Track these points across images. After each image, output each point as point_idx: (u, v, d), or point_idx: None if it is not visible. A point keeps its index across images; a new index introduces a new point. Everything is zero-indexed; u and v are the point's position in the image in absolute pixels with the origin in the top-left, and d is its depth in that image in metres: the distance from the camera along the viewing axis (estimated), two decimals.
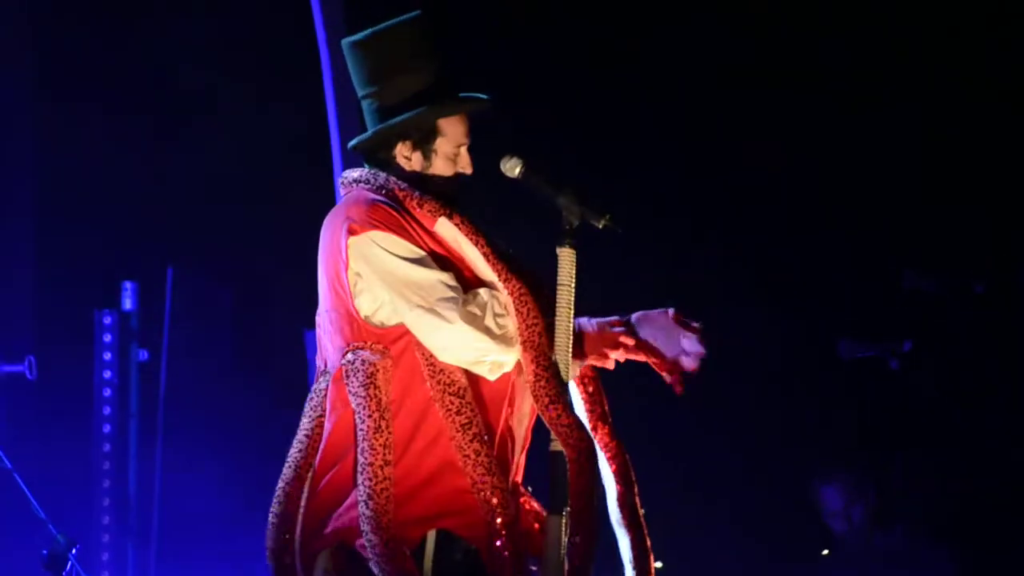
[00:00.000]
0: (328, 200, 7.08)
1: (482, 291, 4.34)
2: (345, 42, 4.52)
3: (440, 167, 4.49)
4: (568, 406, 4.34)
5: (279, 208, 7.52)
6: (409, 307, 4.31)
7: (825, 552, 7.38)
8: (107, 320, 7.50)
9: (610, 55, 7.73)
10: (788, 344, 7.65)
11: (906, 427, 7.32)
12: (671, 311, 4.46)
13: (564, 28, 7.72)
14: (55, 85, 7.60)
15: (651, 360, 4.48)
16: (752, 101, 7.67)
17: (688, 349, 4.44)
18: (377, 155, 4.50)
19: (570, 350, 4.36)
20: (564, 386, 4.35)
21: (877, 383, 7.13)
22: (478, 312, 4.30)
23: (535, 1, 7.74)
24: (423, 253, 4.33)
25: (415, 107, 4.42)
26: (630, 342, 4.45)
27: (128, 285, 7.58)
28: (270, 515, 4.38)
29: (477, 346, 4.31)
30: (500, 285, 4.35)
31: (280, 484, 4.39)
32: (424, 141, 4.47)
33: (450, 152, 4.49)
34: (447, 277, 4.31)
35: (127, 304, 7.55)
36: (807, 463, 7.44)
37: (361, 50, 4.48)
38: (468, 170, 4.51)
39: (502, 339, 4.33)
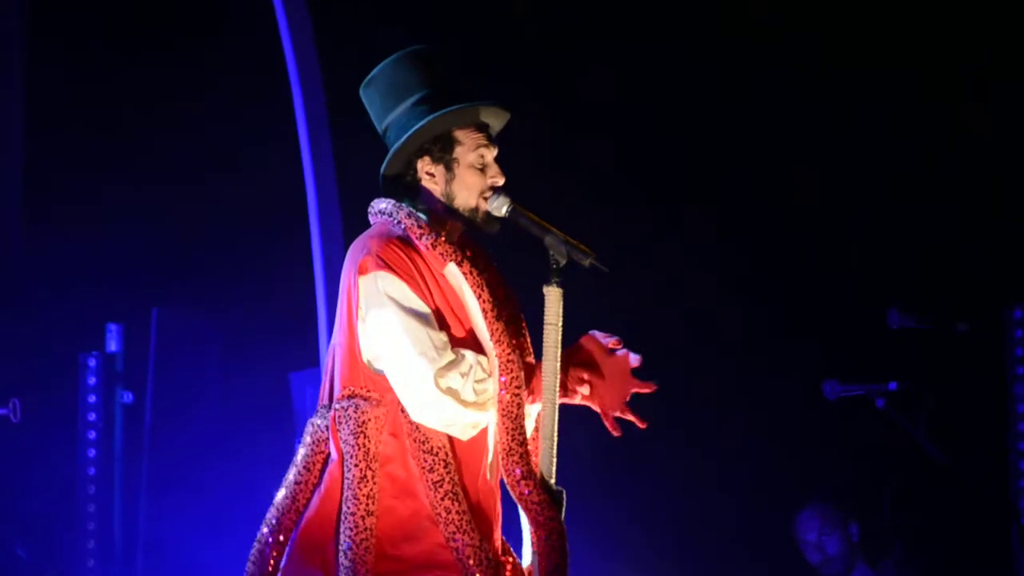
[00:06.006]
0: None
1: (468, 355, 4.28)
2: (361, 90, 4.49)
3: (468, 181, 4.40)
4: (539, 483, 4.28)
5: (265, 250, 7.51)
6: (390, 362, 4.28)
7: None
8: (92, 362, 7.49)
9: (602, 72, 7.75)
10: (775, 384, 7.65)
11: (891, 465, 7.32)
12: (633, 360, 4.38)
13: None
14: (38, 122, 7.61)
15: (593, 404, 4.41)
16: (742, 137, 7.70)
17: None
18: (404, 180, 4.43)
19: (556, 391, 4.34)
20: (535, 463, 4.28)
21: (863, 422, 7.14)
22: (459, 380, 4.25)
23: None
24: (422, 305, 4.28)
25: (423, 118, 4.36)
26: (586, 391, 4.40)
27: (113, 327, 7.56)
28: (256, 543, 4.32)
29: (448, 414, 4.26)
30: (491, 346, 4.30)
31: (273, 512, 4.35)
32: (442, 151, 4.40)
33: (473, 161, 4.41)
34: (437, 338, 4.26)
35: (112, 346, 7.53)
36: (790, 499, 7.44)
37: (372, 88, 4.45)
38: (500, 180, 4.42)
39: (478, 406, 4.28)
